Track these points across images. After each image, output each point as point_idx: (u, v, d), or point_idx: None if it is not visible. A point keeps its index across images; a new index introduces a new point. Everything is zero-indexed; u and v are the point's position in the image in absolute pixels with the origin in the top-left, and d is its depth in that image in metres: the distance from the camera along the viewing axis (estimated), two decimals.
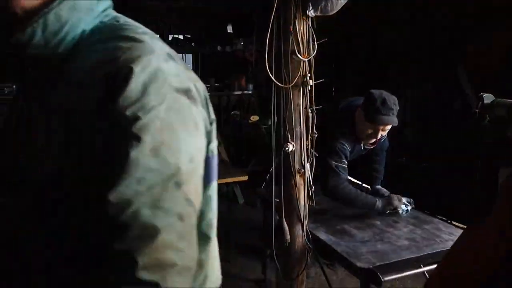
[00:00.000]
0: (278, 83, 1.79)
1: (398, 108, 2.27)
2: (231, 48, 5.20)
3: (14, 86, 4.32)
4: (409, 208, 2.28)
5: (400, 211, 2.25)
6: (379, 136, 2.33)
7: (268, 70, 1.75)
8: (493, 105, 2.45)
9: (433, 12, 4.00)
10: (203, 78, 5.65)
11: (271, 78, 1.77)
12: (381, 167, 2.78)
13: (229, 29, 6.19)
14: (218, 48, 5.19)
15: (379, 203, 2.24)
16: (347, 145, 2.35)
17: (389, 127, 2.30)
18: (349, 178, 2.51)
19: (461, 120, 3.59)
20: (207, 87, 5.32)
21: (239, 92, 5.41)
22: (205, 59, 6.80)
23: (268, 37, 1.73)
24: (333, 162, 2.29)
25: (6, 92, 4.28)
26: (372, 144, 2.47)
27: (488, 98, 2.52)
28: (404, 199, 2.30)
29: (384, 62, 4.59)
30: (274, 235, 2.00)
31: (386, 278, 1.61)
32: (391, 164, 3.83)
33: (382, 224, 2.13)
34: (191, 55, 6.76)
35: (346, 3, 1.72)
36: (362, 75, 5.09)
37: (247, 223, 4.09)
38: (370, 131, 2.31)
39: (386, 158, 2.84)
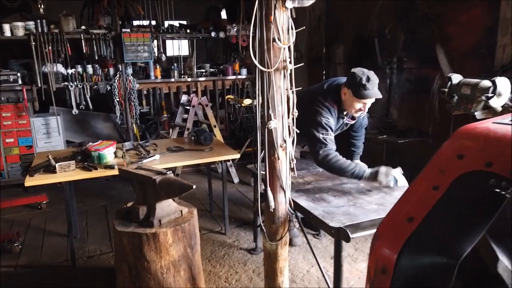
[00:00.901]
0: (262, 67, 2.02)
1: (377, 81, 2.61)
2: (225, 34, 5.38)
3: (18, 74, 4.53)
4: (398, 179, 2.44)
5: (391, 184, 2.43)
6: (367, 109, 2.70)
7: (253, 56, 1.98)
8: (460, 84, 2.71)
9: None
10: (199, 63, 5.86)
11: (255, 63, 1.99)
12: (360, 143, 3.09)
13: (223, 15, 6.35)
14: (212, 34, 5.36)
15: (366, 174, 2.48)
16: (331, 119, 2.68)
17: (372, 100, 2.64)
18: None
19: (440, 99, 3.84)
20: (202, 73, 5.54)
21: (233, 77, 5.61)
22: (201, 45, 6.99)
23: (252, 26, 1.95)
24: (321, 135, 2.60)
25: (11, 80, 4.48)
26: (353, 118, 2.86)
27: (456, 78, 2.78)
28: (393, 172, 2.46)
29: (369, 44, 4.79)
30: (261, 203, 2.26)
31: (353, 235, 1.88)
32: (375, 140, 4.10)
33: (357, 192, 2.39)
34: (186, 41, 6.95)
35: None
36: (351, 59, 5.30)
37: (242, 199, 4.37)
38: (359, 106, 2.65)
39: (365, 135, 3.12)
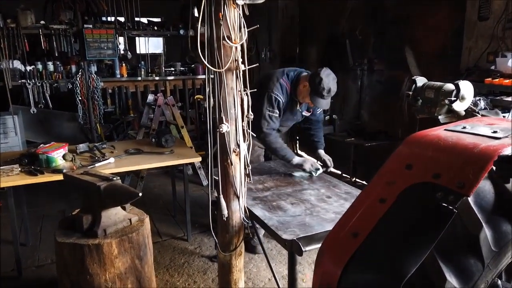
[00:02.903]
0: (211, 67, 1.89)
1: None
2: (194, 32, 5.22)
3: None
4: (321, 170, 2.76)
5: (314, 174, 2.72)
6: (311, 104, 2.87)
7: (201, 55, 1.84)
8: (424, 88, 2.64)
9: None
10: (169, 62, 5.69)
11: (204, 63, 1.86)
12: (319, 134, 3.22)
13: (195, 13, 6.17)
14: (181, 32, 5.19)
15: (295, 160, 2.76)
16: (280, 97, 2.80)
17: None
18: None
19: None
20: (172, 71, 5.37)
21: (204, 76, 5.46)
22: (175, 43, 6.79)
23: (199, 23, 1.82)
24: (267, 112, 2.77)
25: None
26: (308, 111, 3.06)
27: (420, 81, 2.71)
28: (318, 163, 2.85)
29: (341, 45, 4.72)
30: (215, 211, 2.13)
31: (307, 248, 1.77)
32: (343, 143, 4.02)
33: (315, 199, 2.29)
34: (161, 39, 6.72)
35: None
36: (324, 59, 5.23)
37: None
38: (308, 102, 2.85)
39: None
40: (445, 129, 1.05)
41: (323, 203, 2.22)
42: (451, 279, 1.13)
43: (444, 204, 0.89)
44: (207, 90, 1.95)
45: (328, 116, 4.18)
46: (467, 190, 0.89)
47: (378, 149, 3.81)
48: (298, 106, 2.95)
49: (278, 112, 2.80)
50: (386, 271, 1.10)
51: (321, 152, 3.12)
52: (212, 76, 1.95)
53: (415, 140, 1.06)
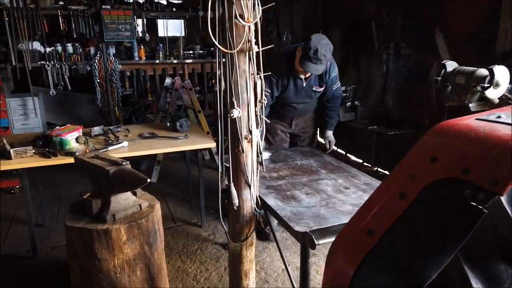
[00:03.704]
0: (223, 48, 1.77)
1: (329, 56, 2.66)
2: (213, 13, 5.08)
3: None
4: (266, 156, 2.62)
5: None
6: (308, 74, 2.81)
7: (211, 35, 1.73)
8: (454, 73, 2.44)
9: None
10: (189, 45, 5.59)
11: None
12: (333, 114, 3.14)
13: None
14: (201, 13, 5.06)
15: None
16: (276, 78, 2.80)
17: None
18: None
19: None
20: (190, 55, 5.27)
21: (223, 59, 5.34)
22: (192, 26, 6.67)
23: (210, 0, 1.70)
24: None
25: None
26: (321, 86, 2.96)
27: (450, 65, 2.51)
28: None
29: (366, 28, 4.50)
30: (225, 200, 2.05)
31: (320, 242, 1.66)
32: (364, 131, 3.86)
33: (332, 190, 2.17)
34: (177, 22, 6.61)
35: None
36: (348, 43, 5.02)
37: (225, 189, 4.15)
38: (301, 69, 2.75)
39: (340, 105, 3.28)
40: (476, 118, 0.91)
41: (340, 194, 2.10)
42: (477, 286, 1.03)
43: (472, 203, 0.78)
44: (217, 73, 1.84)
45: (350, 103, 3.99)
46: (500, 188, 0.76)
47: (402, 138, 3.62)
48: (304, 82, 2.87)
49: (269, 90, 2.76)
50: (404, 275, 1.00)
51: (328, 133, 3.15)
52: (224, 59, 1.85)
53: (442, 129, 0.93)
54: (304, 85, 2.89)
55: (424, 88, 3.77)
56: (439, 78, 2.50)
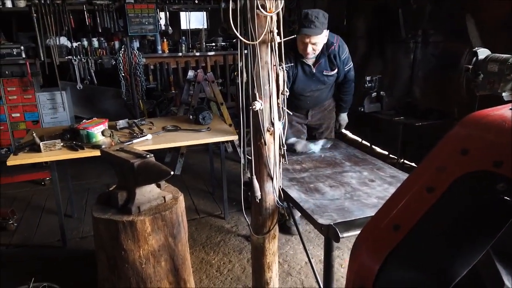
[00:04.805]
0: (244, 40, 1.75)
1: (322, 21, 2.54)
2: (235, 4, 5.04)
3: (22, 47, 4.42)
4: (319, 148, 2.68)
5: (311, 151, 2.66)
6: (309, 49, 2.63)
7: (233, 26, 1.71)
8: (486, 61, 2.34)
9: None
10: (211, 37, 5.58)
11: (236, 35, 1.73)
12: (347, 97, 3.12)
13: None
14: (223, 5, 5.04)
15: (292, 140, 2.72)
16: (287, 69, 2.61)
17: (316, 39, 2.58)
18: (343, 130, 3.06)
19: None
20: (213, 47, 5.27)
21: (245, 51, 5.31)
22: (214, 18, 6.66)
23: None
24: None
25: (14, 53, 4.39)
26: (332, 69, 2.85)
27: (482, 53, 2.41)
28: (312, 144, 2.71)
29: (392, 15, 4.36)
30: (248, 192, 2.04)
31: (344, 235, 1.63)
32: (390, 122, 3.76)
33: (357, 182, 2.13)
34: (199, 14, 6.61)
35: None
36: (373, 31, 4.88)
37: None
38: (301, 46, 2.63)
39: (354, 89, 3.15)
40: (510, 109, 0.87)
41: (365, 187, 2.06)
42: (510, 283, 0.99)
43: (506, 197, 0.76)
44: (239, 65, 1.83)
45: (375, 93, 3.89)
46: None
47: (430, 129, 3.50)
48: (313, 68, 2.80)
49: None
50: (432, 272, 0.97)
51: (342, 116, 3.18)
52: (245, 50, 1.82)
53: (473, 120, 0.88)
54: (314, 71, 2.81)
55: (453, 77, 3.63)
56: (470, 66, 2.40)
